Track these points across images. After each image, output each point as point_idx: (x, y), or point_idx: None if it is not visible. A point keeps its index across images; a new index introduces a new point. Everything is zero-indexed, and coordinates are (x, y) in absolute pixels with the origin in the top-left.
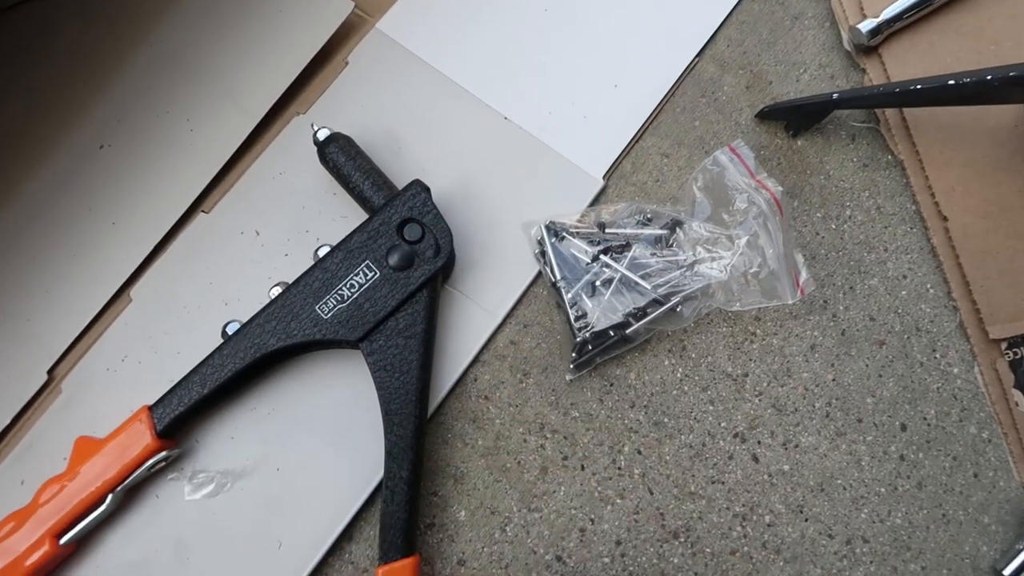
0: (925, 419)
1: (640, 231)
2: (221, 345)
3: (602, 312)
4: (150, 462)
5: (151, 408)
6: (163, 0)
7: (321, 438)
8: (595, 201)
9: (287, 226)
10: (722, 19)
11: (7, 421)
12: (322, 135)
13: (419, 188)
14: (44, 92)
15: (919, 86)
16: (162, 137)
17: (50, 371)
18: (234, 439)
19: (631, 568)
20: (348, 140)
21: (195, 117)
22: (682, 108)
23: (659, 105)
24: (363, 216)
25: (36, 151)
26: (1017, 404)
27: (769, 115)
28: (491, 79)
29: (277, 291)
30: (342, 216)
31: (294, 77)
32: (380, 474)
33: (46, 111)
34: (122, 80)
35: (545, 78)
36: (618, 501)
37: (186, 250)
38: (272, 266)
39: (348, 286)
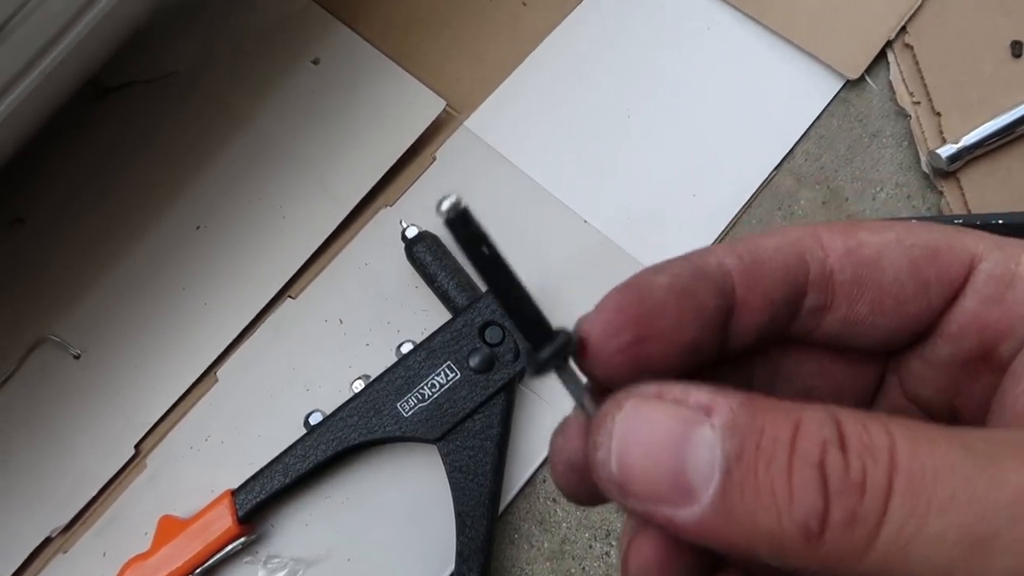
0: None
1: None
2: (304, 436)
3: None
4: (230, 547)
5: (234, 493)
6: (263, 90)
7: (393, 531)
8: None
9: (369, 316)
10: (801, 133)
11: (93, 493)
12: (411, 233)
13: None
14: (145, 171)
15: (1000, 220)
16: (255, 221)
17: (137, 446)
18: (308, 526)
19: None
20: (435, 239)
21: (288, 204)
22: (758, 220)
23: (736, 216)
24: (444, 311)
25: (136, 228)
26: None
27: None
28: (572, 181)
29: (359, 385)
30: (423, 310)
31: (385, 171)
32: (449, 570)
33: (147, 190)
34: (220, 164)
35: (625, 183)
36: None
37: (272, 334)
38: (353, 355)
39: (429, 385)
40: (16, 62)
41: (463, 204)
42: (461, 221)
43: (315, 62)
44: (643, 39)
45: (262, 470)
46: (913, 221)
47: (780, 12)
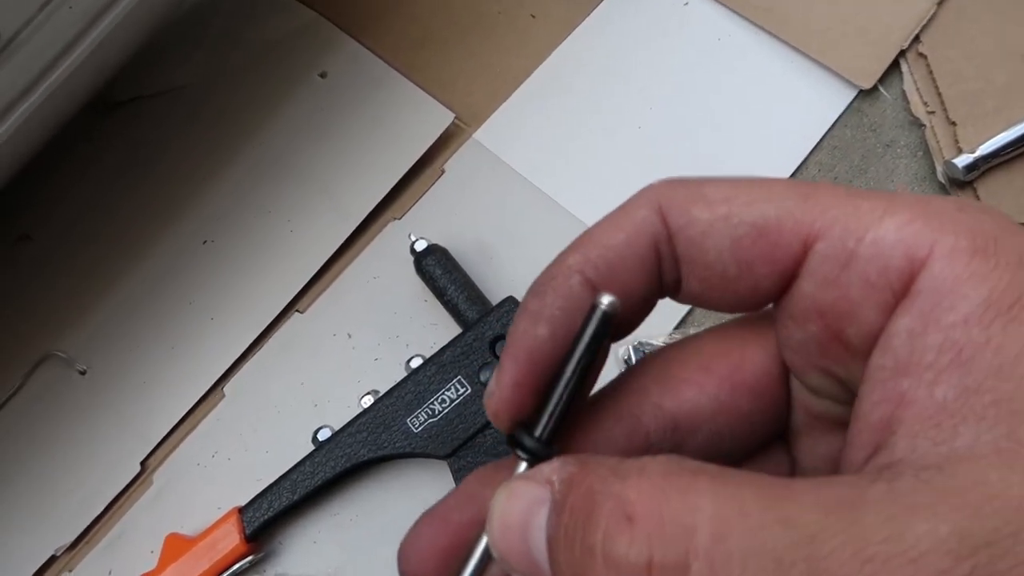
0: None
1: None
2: (312, 452)
3: None
4: (238, 565)
5: (241, 510)
6: (271, 103)
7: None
8: (682, 323)
9: (378, 331)
10: (814, 144)
11: (99, 511)
12: (420, 246)
13: (512, 305)
14: (153, 186)
15: None
16: (263, 236)
17: (143, 462)
18: (317, 544)
19: None
20: (444, 252)
21: (296, 218)
22: None
23: None
24: (453, 325)
25: (142, 243)
26: None
27: None
28: (582, 193)
29: (368, 400)
30: (432, 324)
31: (393, 184)
32: None
33: (154, 204)
34: (227, 178)
35: None
36: None
37: (280, 349)
38: (362, 370)
39: (439, 401)
40: (24, 77)
41: (618, 307)
42: (609, 321)
43: (323, 75)
44: (654, 50)
45: (270, 487)
46: (773, 180)
47: (792, 23)
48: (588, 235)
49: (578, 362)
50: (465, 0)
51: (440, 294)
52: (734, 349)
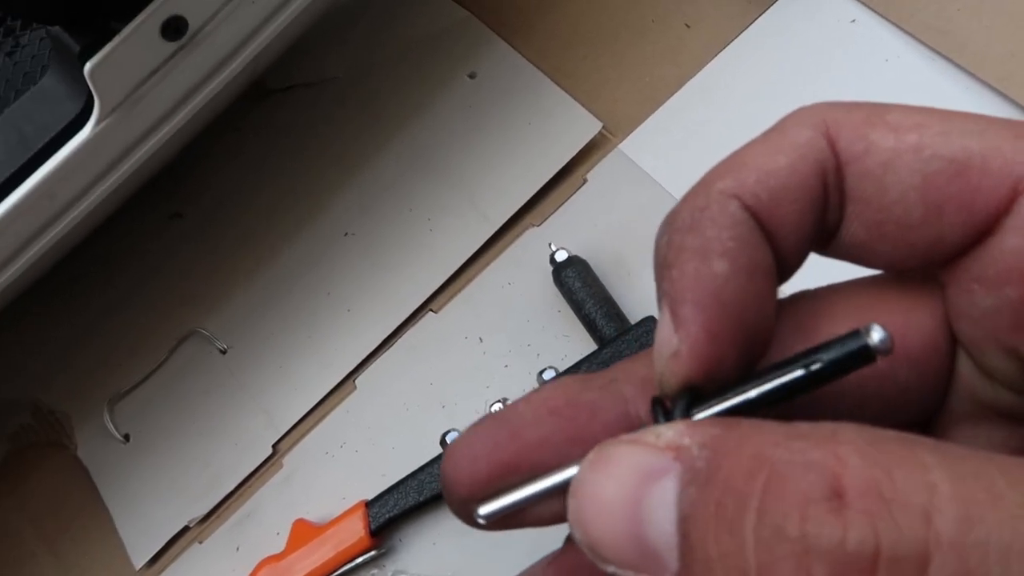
0: None
1: None
2: (441, 455)
3: None
4: (360, 559)
5: (368, 504)
6: (419, 100)
7: (520, 560)
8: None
9: (510, 337)
10: None
11: (231, 488)
12: (560, 256)
13: (651, 326)
14: (299, 174)
15: None
16: (403, 232)
17: (275, 445)
18: (436, 545)
19: None
20: (585, 265)
21: (436, 217)
22: None
23: None
24: (586, 338)
25: (287, 230)
26: None
27: None
28: None
29: (497, 408)
30: (564, 335)
31: (536, 190)
32: None
33: (300, 193)
34: (372, 172)
35: None
36: None
37: (412, 347)
38: (491, 375)
39: None
40: (203, 67)
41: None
42: (867, 360)
43: (472, 76)
44: (815, 69)
45: (397, 484)
46: (974, 114)
47: (970, 47)
48: (738, 157)
49: (801, 381)
50: (618, 5)
51: (577, 307)
52: (897, 309)
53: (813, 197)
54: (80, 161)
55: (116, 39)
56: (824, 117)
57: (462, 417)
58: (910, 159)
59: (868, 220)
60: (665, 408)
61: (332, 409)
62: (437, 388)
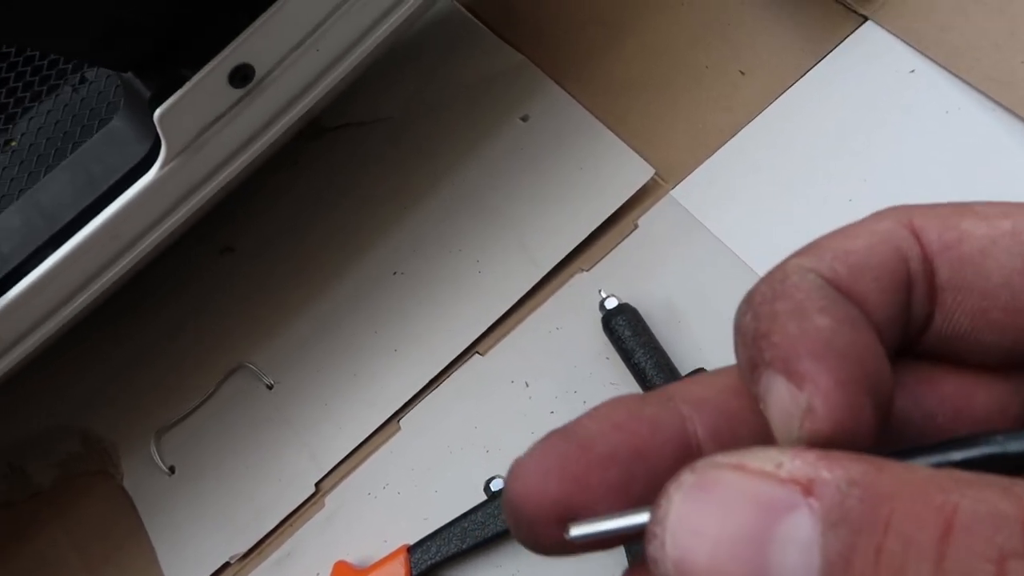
0: None
1: None
2: (485, 502)
3: None
4: None
5: (410, 549)
6: (471, 141)
7: None
8: None
9: (556, 383)
10: None
11: (273, 525)
12: (610, 304)
13: None
14: (350, 212)
15: None
16: (451, 273)
17: (318, 484)
18: None
19: None
20: (635, 313)
21: (484, 259)
22: None
23: None
24: (635, 387)
25: (336, 267)
26: None
27: None
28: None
29: None
30: (612, 383)
31: (587, 235)
32: None
33: (350, 230)
34: (422, 211)
35: None
36: None
37: (457, 389)
38: (537, 421)
39: None
40: (267, 111)
41: None
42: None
43: (524, 119)
44: (873, 119)
45: (440, 530)
46: None
47: None
48: (813, 242)
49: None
50: (672, 51)
51: (627, 356)
52: (966, 371)
53: (895, 278)
54: (144, 202)
55: (186, 86)
56: (907, 212)
57: (506, 463)
58: (1008, 243)
59: (971, 308)
60: None
61: (376, 449)
62: (481, 432)
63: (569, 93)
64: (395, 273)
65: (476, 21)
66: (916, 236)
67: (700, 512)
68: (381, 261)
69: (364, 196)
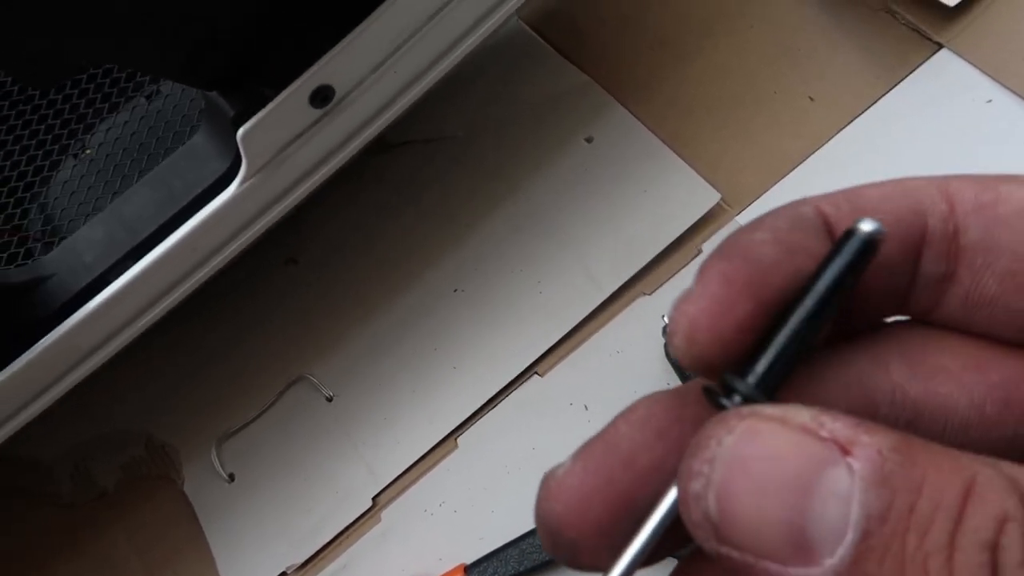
0: None
1: None
2: None
3: None
4: None
5: (467, 570)
6: (534, 161)
7: None
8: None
9: (616, 407)
10: None
11: (329, 537)
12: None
13: None
14: (412, 228)
15: None
16: (512, 292)
17: (374, 498)
18: None
19: None
20: None
21: (546, 279)
22: None
23: None
24: None
25: (398, 282)
26: None
27: None
28: None
29: None
30: None
31: (650, 259)
32: None
33: (411, 246)
34: (484, 230)
35: None
36: None
37: (515, 409)
38: None
39: None
40: (344, 130)
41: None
42: (870, 251)
43: (588, 140)
44: (947, 150)
45: (497, 551)
46: None
47: None
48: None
49: (820, 299)
50: (740, 75)
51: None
52: (1013, 357)
53: (903, 226)
54: (223, 217)
55: (269, 106)
56: (944, 180)
57: None
58: None
59: (1002, 270)
60: (727, 385)
61: (433, 466)
62: (539, 453)
63: (634, 115)
64: (456, 290)
65: (542, 41)
66: (949, 197)
67: (749, 457)
68: (442, 278)
69: (426, 212)
